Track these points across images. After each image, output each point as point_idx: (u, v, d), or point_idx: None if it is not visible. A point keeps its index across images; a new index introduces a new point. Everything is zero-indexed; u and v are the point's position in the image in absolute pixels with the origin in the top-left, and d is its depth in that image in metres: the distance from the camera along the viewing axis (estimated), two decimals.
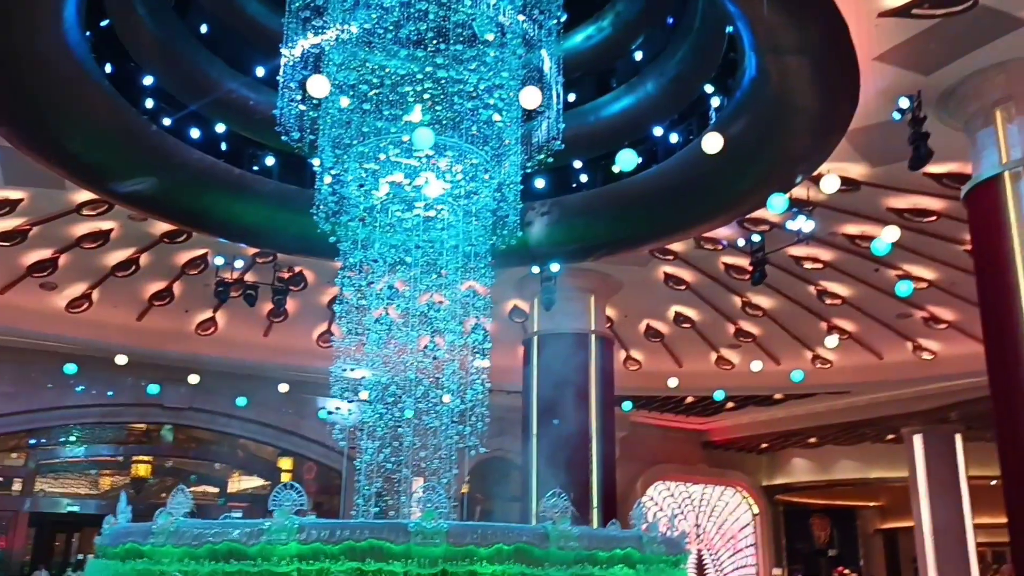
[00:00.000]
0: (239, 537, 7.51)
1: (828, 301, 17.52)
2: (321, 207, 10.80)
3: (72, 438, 20.92)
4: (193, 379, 17.57)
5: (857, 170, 12.65)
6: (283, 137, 11.02)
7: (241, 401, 18.23)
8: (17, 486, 19.94)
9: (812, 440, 25.63)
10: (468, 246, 11.06)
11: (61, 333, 17.87)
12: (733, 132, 12.43)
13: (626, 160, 8.99)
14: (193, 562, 7.52)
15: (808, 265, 16.12)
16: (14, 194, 13.81)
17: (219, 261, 16.17)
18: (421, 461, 10.30)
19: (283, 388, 16.29)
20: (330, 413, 12.10)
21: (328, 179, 10.79)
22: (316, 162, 10.97)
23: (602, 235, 14.75)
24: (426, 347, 10.85)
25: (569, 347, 16.32)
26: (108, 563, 8.19)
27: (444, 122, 10.76)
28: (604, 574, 7.84)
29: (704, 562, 26.43)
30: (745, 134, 12.37)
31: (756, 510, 27.94)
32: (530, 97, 8.59)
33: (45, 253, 15.92)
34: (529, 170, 11.58)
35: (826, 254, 15.70)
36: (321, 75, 9.77)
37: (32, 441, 20.51)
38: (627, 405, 18.44)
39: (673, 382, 18.29)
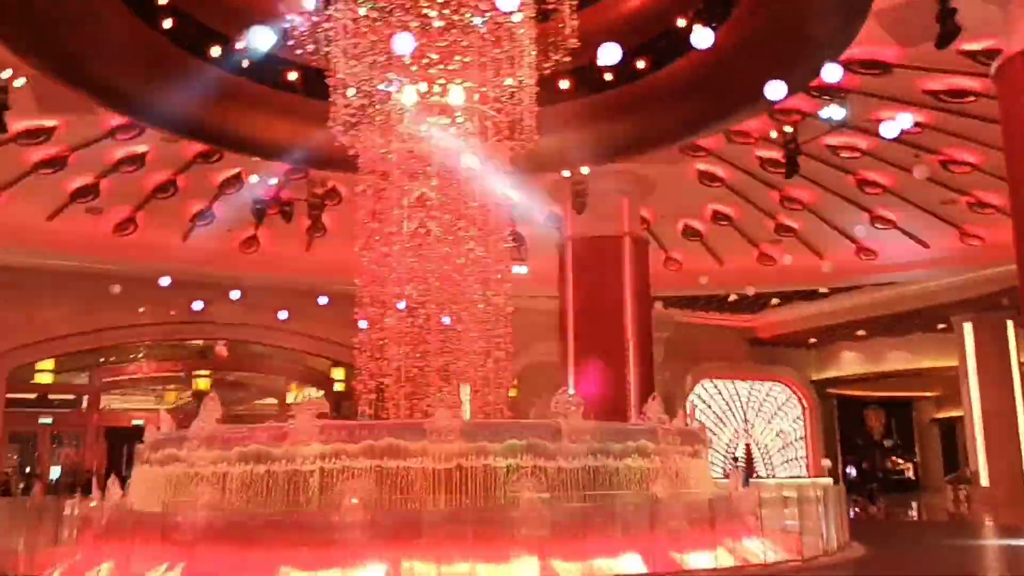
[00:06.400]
0: (266, 440, 7.94)
1: (869, 190, 17.10)
2: (338, 119, 10.90)
3: (133, 356, 21.89)
4: (235, 295, 18.10)
5: (888, 52, 12.17)
6: (298, 50, 11.14)
7: (282, 314, 18.77)
8: (85, 403, 21.00)
9: (860, 333, 25.40)
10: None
11: (112, 256, 18.46)
12: (756, 20, 12.11)
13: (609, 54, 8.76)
14: (225, 464, 7.96)
15: (845, 154, 15.70)
16: (49, 121, 14.15)
17: (253, 179, 16.47)
18: (447, 365, 10.53)
19: (322, 301, 16.74)
20: None
21: (343, 90, 10.85)
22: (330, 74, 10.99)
23: (628, 134, 14.52)
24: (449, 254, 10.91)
25: (603, 250, 16.33)
26: (150, 468, 8.71)
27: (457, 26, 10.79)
28: (618, 465, 8.06)
29: (752, 456, 26.76)
30: (768, 22, 12.00)
31: (805, 404, 28.03)
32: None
33: (87, 179, 16.36)
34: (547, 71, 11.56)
35: (863, 142, 15.26)
36: None
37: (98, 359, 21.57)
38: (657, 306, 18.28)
39: (703, 279, 18.19)
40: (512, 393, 22.83)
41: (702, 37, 9.05)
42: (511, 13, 10.35)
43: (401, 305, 11.03)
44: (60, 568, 7.59)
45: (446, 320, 11.04)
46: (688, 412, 9.69)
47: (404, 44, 8.92)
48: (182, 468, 8.19)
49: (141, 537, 7.33)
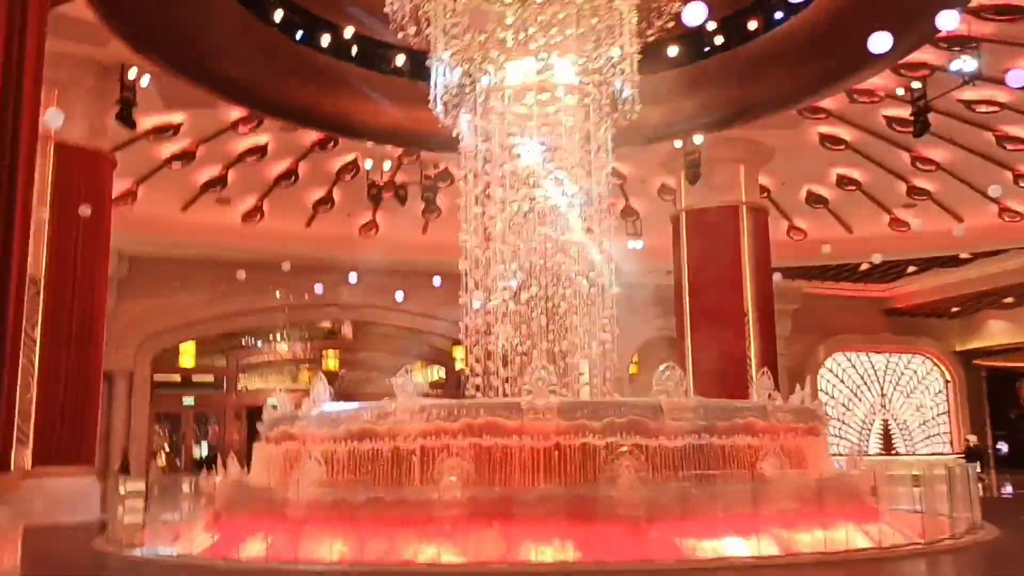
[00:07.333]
0: (370, 419, 8.10)
1: (1010, 147, 15.87)
2: (440, 100, 10.93)
3: (266, 339, 22.91)
4: (353, 278, 18.59)
5: None
6: (399, 33, 11.22)
7: (399, 295, 19.16)
8: (225, 385, 22.13)
9: (1008, 300, 23.70)
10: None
11: (242, 244, 19.28)
12: None
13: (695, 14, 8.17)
14: (332, 442, 8.17)
15: (982, 109, 14.61)
16: (175, 117, 14.89)
17: (368, 164, 16.86)
18: (553, 344, 10.42)
19: (436, 281, 17.00)
20: None
21: (444, 71, 10.86)
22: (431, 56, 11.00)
23: (741, 100, 13.96)
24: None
25: (718, 221, 15.85)
26: (267, 446, 9.06)
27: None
28: (723, 444, 7.79)
29: (891, 432, 25.49)
30: None
31: (948, 377, 26.45)
32: None
33: (214, 171, 17.15)
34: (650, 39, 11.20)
35: (1001, 95, 14.14)
36: None
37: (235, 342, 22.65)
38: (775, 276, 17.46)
39: (826, 249, 17.37)
40: (632, 370, 22.84)
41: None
42: None
43: (512, 283, 10.98)
44: (181, 542, 8.01)
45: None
46: (807, 388, 9.23)
47: (479, 17, 8.77)
48: (295, 446, 8.46)
49: (253, 513, 7.63)
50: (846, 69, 13.33)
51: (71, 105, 12.55)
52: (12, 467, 10.55)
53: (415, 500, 7.21)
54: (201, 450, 22.03)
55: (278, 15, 13.09)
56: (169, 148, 15.99)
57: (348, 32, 13.89)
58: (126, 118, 12.86)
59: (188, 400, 21.30)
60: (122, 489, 8.86)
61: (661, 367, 8.03)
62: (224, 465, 9.20)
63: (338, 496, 7.50)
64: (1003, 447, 29.29)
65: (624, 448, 7.37)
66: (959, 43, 12.24)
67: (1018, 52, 12.54)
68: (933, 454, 24.72)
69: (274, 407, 9.45)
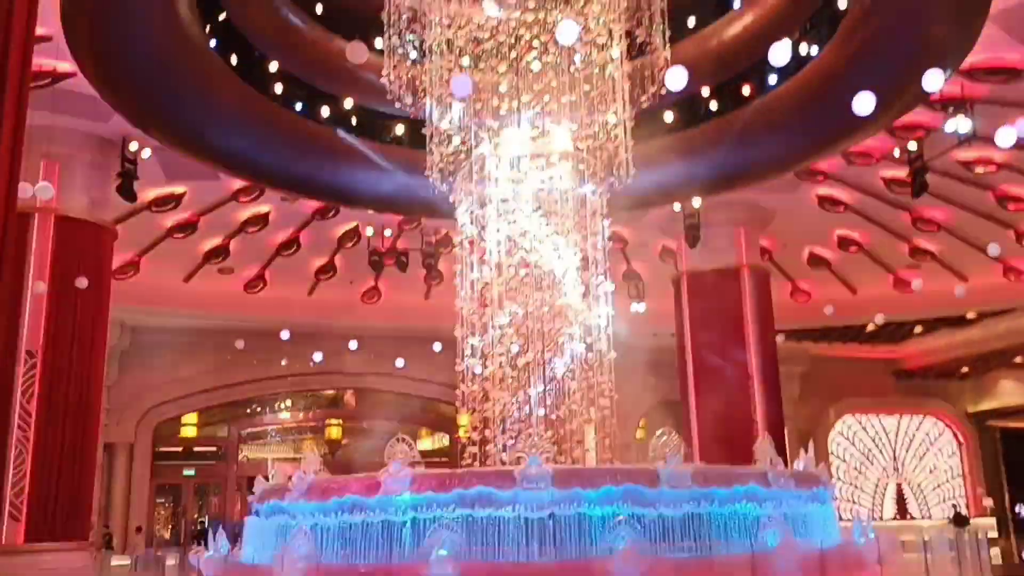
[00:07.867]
0: (359, 490, 7.92)
1: (1011, 206, 15.83)
2: (435, 168, 11.00)
3: (269, 408, 22.75)
4: (352, 345, 18.53)
5: (1014, 56, 11.28)
6: (397, 103, 11.36)
7: (399, 362, 19.07)
8: (226, 456, 21.91)
9: (1018, 360, 23.43)
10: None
11: (244, 312, 19.31)
12: (864, 34, 11.51)
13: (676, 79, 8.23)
14: (323, 515, 7.98)
15: (980, 169, 14.61)
16: (177, 188, 15.02)
17: (369, 232, 16.93)
18: (550, 411, 10.26)
19: (437, 347, 16.94)
20: None
21: (438, 139, 10.96)
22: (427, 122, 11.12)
23: (738, 163, 14.00)
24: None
25: (720, 283, 15.77)
26: (258, 519, 8.86)
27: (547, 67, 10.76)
28: (724, 512, 7.58)
29: (904, 496, 24.97)
30: (879, 33, 11.37)
31: (961, 439, 26.00)
32: (567, 32, 8.19)
33: (216, 241, 17.24)
34: (644, 105, 11.30)
35: (999, 155, 14.14)
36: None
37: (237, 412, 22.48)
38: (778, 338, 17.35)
39: (829, 309, 17.24)
40: (640, 435, 22.55)
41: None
42: (605, 50, 10.31)
43: (514, 349, 10.89)
44: None
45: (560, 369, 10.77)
46: (811, 452, 9.05)
47: (463, 86, 8.87)
48: (284, 519, 8.27)
49: None
50: (839, 132, 13.39)
51: (72, 178, 12.72)
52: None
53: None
54: (204, 522, 21.74)
55: (278, 87, 13.35)
56: (171, 219, 16.10)
57: (348, 103, 14.14)
58: (127, 191, 12.97)
59: (189, 471, 21.08)
60: (114, 561, 8.63)
61: (658, 432, 7.86)
62: (215, 538, 8.99)
63: (324, 570, 7.29)
64: (1022, 510, 28.64)
65: (620, 517, 7.18)
66: (953, 104, 12.30)
67: (1012, 112, 12.55)
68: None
69: (267, 480, 9.32)
